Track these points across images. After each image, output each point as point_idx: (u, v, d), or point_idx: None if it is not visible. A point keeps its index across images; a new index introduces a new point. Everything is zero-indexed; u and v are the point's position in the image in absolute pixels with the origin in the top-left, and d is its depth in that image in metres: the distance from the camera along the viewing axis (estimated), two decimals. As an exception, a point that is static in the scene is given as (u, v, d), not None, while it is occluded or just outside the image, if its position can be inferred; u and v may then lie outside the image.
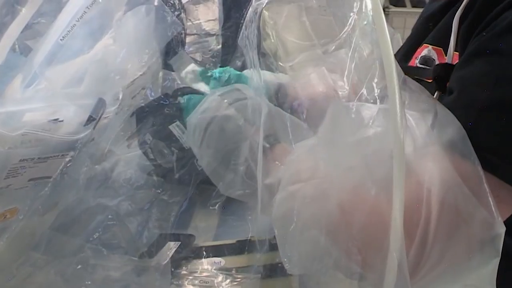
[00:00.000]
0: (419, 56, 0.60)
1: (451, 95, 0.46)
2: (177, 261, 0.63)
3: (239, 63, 0.64)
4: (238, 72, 0.65)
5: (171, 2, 0.60)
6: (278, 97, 0.57)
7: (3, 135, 0.44)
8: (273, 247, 0.59)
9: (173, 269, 0.62)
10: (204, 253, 0.65)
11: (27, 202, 0.52)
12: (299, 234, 0.42)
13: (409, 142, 0.40)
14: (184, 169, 0.71)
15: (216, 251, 0.66)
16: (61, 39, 0.50)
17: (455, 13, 0.54)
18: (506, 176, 0.40)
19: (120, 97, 0.55)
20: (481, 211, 0.38)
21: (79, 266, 0.57)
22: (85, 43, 0.53)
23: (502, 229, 0.38)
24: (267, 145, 0.48)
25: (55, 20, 0.50)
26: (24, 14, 0.49)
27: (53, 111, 0.48)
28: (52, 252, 0.58)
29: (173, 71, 0.69)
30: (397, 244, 0.34)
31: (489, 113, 0.41)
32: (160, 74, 0.71)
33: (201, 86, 0.68)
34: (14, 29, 0.48)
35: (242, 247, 0.65)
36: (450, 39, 0.53)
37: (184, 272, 0.63)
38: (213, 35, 0.85)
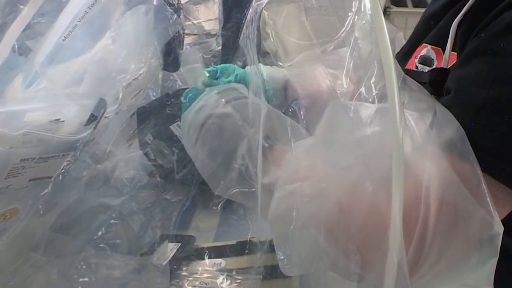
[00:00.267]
0: (418, 56, 0.60)
1: (448, 95, 0.46)
2: (177, 262, 0.63)
3: (239, 63, 0.64)
4: (243, 70, 0.65)
5: (171, 2, 0.60)
6: (286, 93, 0.57)
7: (4, 134, 0.44)
8: (274, 248, 0.59)
9: (173, 269, 0.62)
10: (205, 253, 0.65)
11: (28, 202, 0.52)
12: (297, 234, 0.42)
13: (408, 142, 0.40)
14: (185, 169, 0.71)
15: (216, 252, 0.66)
16: (62, 39, 0.50)
17: (455, 15, 0.54)
18: (502, 176, 0.40)
19: (120, 97, 0.55)
20: (480, 211, 0.38)
21: (80, 266, 0.57)
22: (85, 43, 0.53)
23: (500, 229, 0.37)
24: (266, 145, 0.48)
25: (56, 20, 0.50)
26: (26, 14, 0.49)
27: (54, 111, 0.48)
28: (52, 253, 0.58)
29: (172, 72, 0.69)
30: (397, 243, 0.34)
31: (486, 113, 0.41)
32: (160, 74, 0.71)
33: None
34: (16, 28, 0.49)
35: (242, 248, 0.65)
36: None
37: (184, 273, 0.63)
38: (213, 35, 0.85)
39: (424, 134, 0.41)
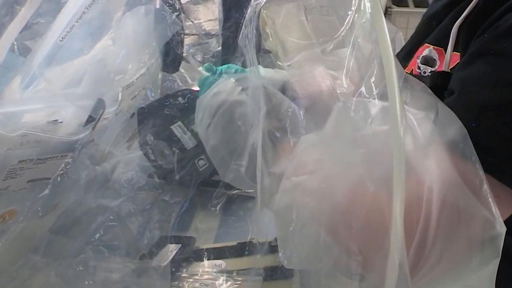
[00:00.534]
0: (420, 56, 0.60)
1: (452, 96, 0.45)
2: (178, 263, 0.63)
3: (239, 63, 0.64)
4: (245, 69, 0.64)
5: (170, 2, 0.60)
6: (285, 94, 0.56)
7: (2, 136, 0.44)
8: (274, 249, 0.58)
9: (173, 271, 0.61)
10: (205, 255, 0.65)
11: (26, 203, 0.52)
12: (301, 228, 0.41)
13: (410, 141, 0.39)
14: (184, 170, 0.71)
15: (216, 253, 0.65)
16: (60, 40, 0.50)
17: (457, 15, 0.53)
18: (505, 177, 0.40)
19: (120, 97, 0.55)
20: (482, 211, 0.37)
21: (79, 268, 0.57)
22: (85, 44, 0.53)
23: (502, 229, 0.37)
24: (278, 135, 0.48)
25: (54, 20, 0.50)
26: (23, 14, 0.49)
27: (53, 112, 0.48)
28: (51, 254, 0.58)
29: (171, 73, 0.69)
30: (398, 244, 0.34)
31: (489, 113, 0.41)
32: (160, 74, 0.71)
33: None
34: (13, 29, 0.48)
35: (243, 249, 0.65)
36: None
37: (184, 274, 0.62)
38: (213, 35, 0.84)
39: (427, 134, 0.40)
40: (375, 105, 0.41)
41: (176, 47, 0.62)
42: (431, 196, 0.38)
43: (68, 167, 0.54)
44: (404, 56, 0.64)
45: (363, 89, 0.41)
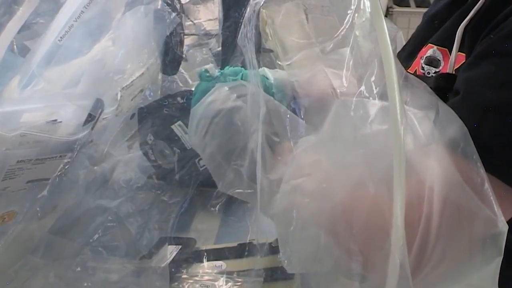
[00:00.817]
0: (424, 57, 0.59)
1: (457, 96, 0.45)
2: (177, 264, 0.62)
3: (239, 63, 0.64)
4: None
5: (170, 2, 0.60)
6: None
7: (1, 136, 0.43)
8: (274, 250, 0.58)
9: (173, 272, 0.61)
10: (205, 255, 0.65)
11: (25, 204, 0.52)
12: (301, 230, 0.41)
13: (410, 140, 0.39)
14: (184, 170, 0.71)
15: (217, 254, 0.65)
16: (59, 40, 0.50)
17: (462, 15, 0.53)
18: (508, 178, 0.40)
19: (119, 98, 0.55)
20: (483, 210, 0.37)
21: (78, 269, 0.57)
22: (84, 44, 0.53)
23: (505, 228, 0.37)
24: (277, 140, 0.47)
25: (53, 20, 0.49)
26: (21, 14, 0.49)
27: (51, 112, 0.48)
28: (50, 255, 0.57)
29: (170, 74, 0.69)
30: (399, 244, 0.34)
31: (493, 114, 0.41)
32: (160, 75, 0.70)
33: None
34: (11, 29, 0.48)
35: (243, 250, 0.65)
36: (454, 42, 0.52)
37: (184, 275, 0.62)
38: (213, 35, 0.84)
39: (428, 133, 0.40)
40: (375, 105, 0.41)
41: (176, 47, 0.62)
42: (432, 196, 0.38)
43: (67, 167, 0.53)
44: (407, 56, 0.64)
45: (363, 88, 0.41)
